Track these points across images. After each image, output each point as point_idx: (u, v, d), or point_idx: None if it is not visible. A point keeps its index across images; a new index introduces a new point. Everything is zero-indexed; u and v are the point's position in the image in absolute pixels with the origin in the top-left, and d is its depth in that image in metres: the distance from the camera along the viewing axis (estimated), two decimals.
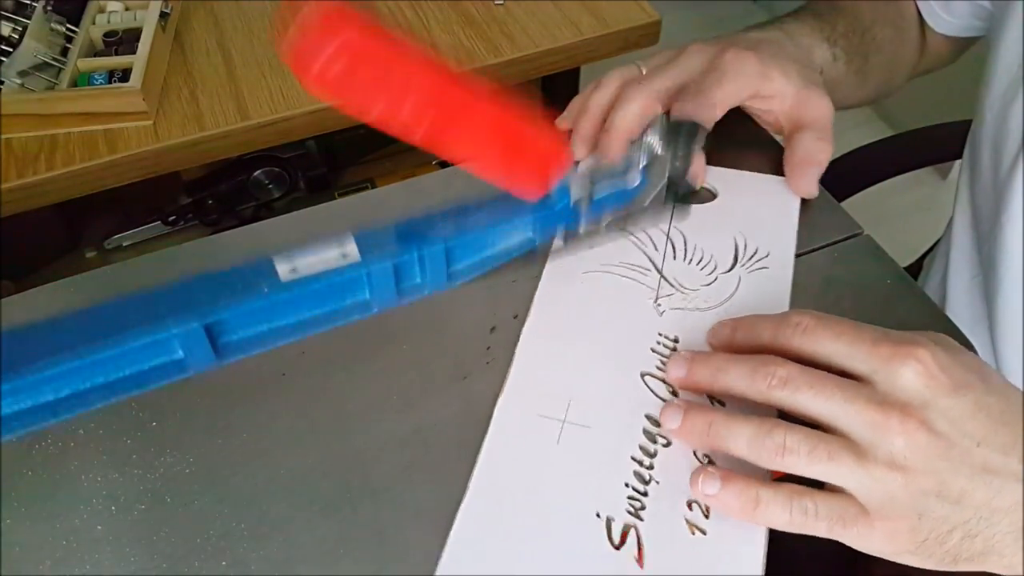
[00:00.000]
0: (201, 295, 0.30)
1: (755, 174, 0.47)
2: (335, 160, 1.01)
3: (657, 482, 0.34)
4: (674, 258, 0.43)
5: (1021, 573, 0.31)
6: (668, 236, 0.44)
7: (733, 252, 0.43)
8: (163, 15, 0.78)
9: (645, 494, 0.34)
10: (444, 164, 0.44)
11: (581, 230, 0.37)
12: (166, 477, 0.36)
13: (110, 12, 0.79)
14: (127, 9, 0.80)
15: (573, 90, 0.99)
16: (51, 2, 0.75)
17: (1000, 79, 0.51)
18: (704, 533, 0.33)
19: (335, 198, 0.91)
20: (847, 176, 0.77)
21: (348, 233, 0.31)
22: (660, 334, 0.40)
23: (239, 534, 0.34)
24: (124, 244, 0.95)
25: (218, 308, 0.31)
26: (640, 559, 0.32)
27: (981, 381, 0.32)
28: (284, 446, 0.37)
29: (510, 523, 0.34)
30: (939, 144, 0.82)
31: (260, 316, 0.32)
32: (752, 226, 0.44)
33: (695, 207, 0.45)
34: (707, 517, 0.33)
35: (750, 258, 0.43)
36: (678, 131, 0.35)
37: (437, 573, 0.32)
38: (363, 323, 0.39)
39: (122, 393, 0.30)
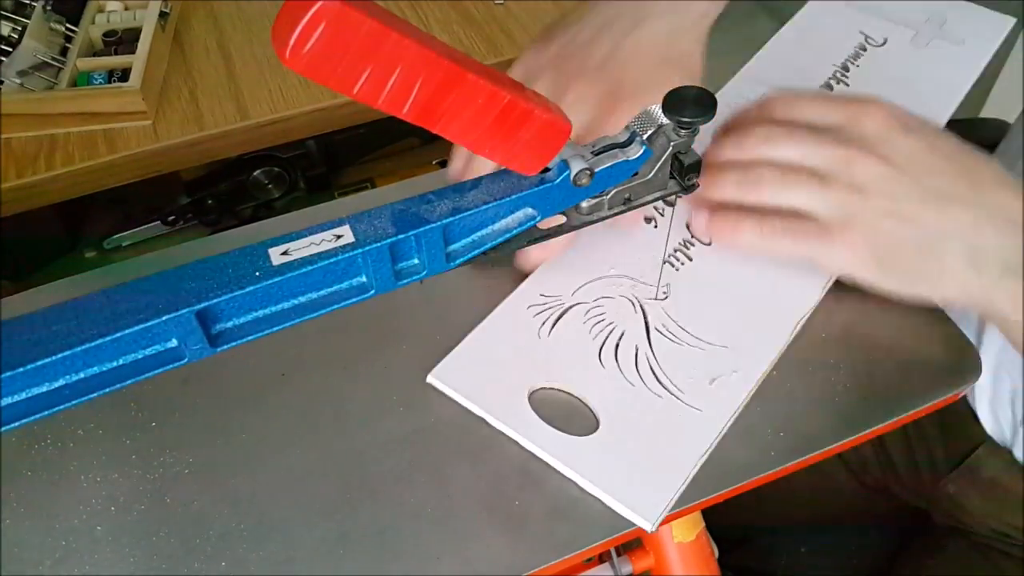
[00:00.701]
0: (193, 282, 0.30)
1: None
2: (335, 160, 1.01)
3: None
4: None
5: (975, 297, 0.36)
6: (672, 212, 0.43)
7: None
8: (162, 15, 0.78)
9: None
10: (444, 164, 0.44)
11: (584, 205, 0.36)
12: (166, 477, 0.36)
13: (109, 12, 0.79)
14: (126, 9, 0.80)
15: None
16: (51, 2, 0.75)
17: None
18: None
19: (335, 198, 0.91)
20: None
21: (347, 229, 0.31)
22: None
23: (239, 534, 0.34)
24: (124, 244, 0.95)
25: (209, 293, 0.30)
26: None
27: (934, 130, 0.38)
28: (284, 446, 0.37)
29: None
30: None
31: (253, 300, 0.31)
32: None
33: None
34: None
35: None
36: (678, 130, 0.35)
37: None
38: (363, 323, 0.39)
39: (117, 383, 0.30)
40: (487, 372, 0.38)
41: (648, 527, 0.34)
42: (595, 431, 0.36)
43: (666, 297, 0.41)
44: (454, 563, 0.33)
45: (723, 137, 0.41)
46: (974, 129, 0.78)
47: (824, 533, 0.66)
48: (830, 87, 0.51)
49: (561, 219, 0.37)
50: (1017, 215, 0.36)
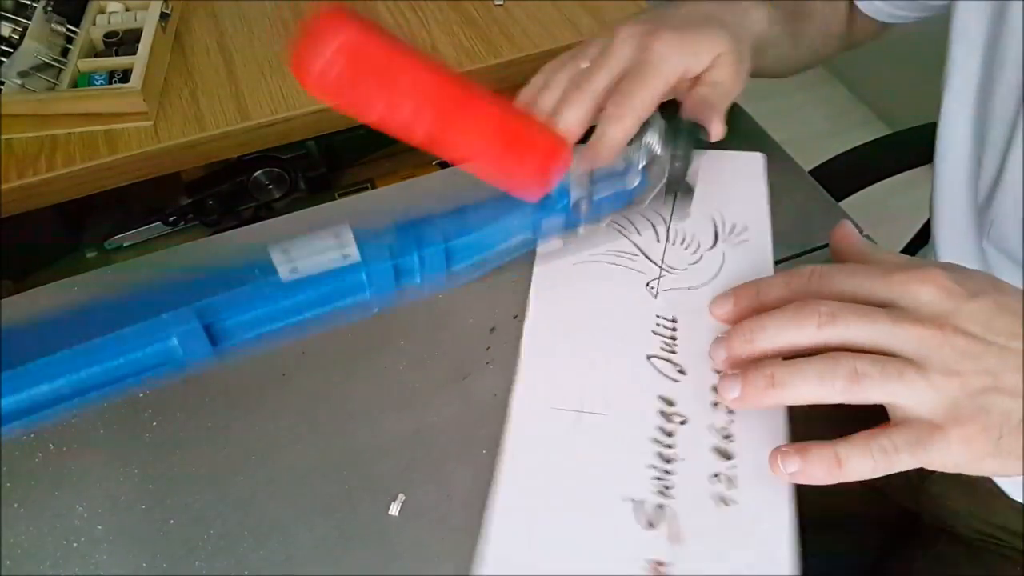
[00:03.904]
0: (201, 294, 0.30)
1: (719, 152, 0.46)
2: (335, 160, 1.01)
3: (682, 459, 0.35)
4: (659, 242, 0.44)
5: None
6: (668, 233, 0.44)
7: (713, 230, 0.44)
8: (163, 16, 0.78)
9: (671, 472, 0.35)
10: (444, 164, 0.44)
11: (581, 230, 0.37)
12: (166, 477, 0.36)
13: (110, 13, 0.79)
14: (127, 10, 0.80)
15: None
16: (51, 3, 0.75)
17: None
18: (734, 503, 0.34)
19: (335, 198, 0.91)
20: (846, 175, 0.77)
21: (347, 227, 0.31)
22: (658, 316, 0.40)
23: (239, 534, 0.34)
24: (125, 244, 0.95)
25: (216, 306, 0.30)
26: (676, 536, 0.33)
27: (992, 286, 0.33)
28: (284, 446, 0.37)
29: (544, 516, 0.34)
30: None
31: (260, 314, 0.32)
32: (726, 203, 0.45)
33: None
34: (734, 487, 0.34)
35: (730, 233, 0.44)
36: (677, 131, 0.36)
37: (481, 573, 0.32)
38: (363, 323, 0.39)
39: (120, 389, 0.30)
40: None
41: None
42: None
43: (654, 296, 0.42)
44: (454, 563, 0.33)
45: (732, 308, 0.38)
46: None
47: (822, 534, 0.66)
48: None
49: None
50: None
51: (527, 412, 0.37)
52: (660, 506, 0.34)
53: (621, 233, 0.44)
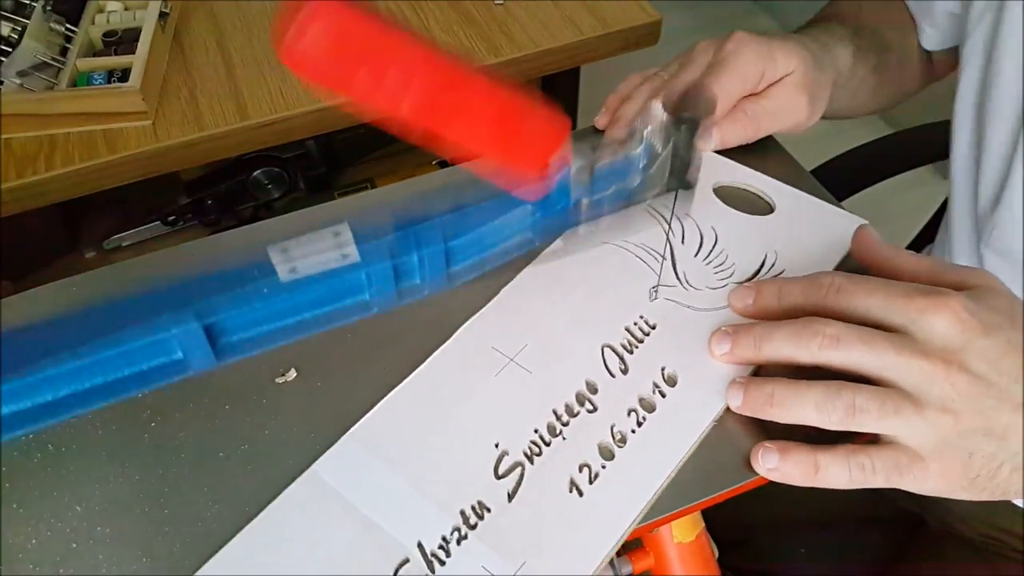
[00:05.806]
0: (201, 295, 0.30)
1: (822, 203, 0.45)
2: (335, 160, 1.01)
3: (564, 438, 0.36)
4: (695, 255, 0.43)
5: None
6: (669, 230, 0.44)
7: (758, 266, 0.42)
8: (162, 15, 0.78)
9: (548, 444, 0.36)
10: (444, 164, 0.44)
11: (581, 230, 0.37)
12: (166, 477, 0.36)
13: (109, 12, 0.79)
14: (126, 9, 0.80)
15: (573, 90, 0.99)
16: (50, 2, 0.75)
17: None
18: (581, 495, 0.34)
19: (335, 198, 0.91)
20: (847, 175, 0.77)
21: (347, 227, 0.31)
22: (641, 316, 0.40)
23: (239, 534, 0.34)
24: (124, 244, 0.95)
25: (218, 309, 0.30)
26: (514, 494, 0.34)
27: (1009, 321, 0.33)
28: (284, 446, 0.37)
29: (423, 421, 0.37)
30: (939, 142, 0.82)
31: (260, 317, 0.32)
32: (791, 248, 0.43)
33: (744, 215, 0.45)
34: (591, 483, 0.34)
35: (769, 274, 0.42)
36: (678, 126, 0.35)
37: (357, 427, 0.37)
38: (363, 323, 0.39)
39: (122, 393, 0.30)
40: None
41: None
42: None
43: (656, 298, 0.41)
44: None
45: (751, 302, 0.38)
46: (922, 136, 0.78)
47: (823, 534, 0.66)
48: None
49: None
50: None
51: (467, 338, 0.40)
52: (519, 464, 0.35)
53: (663, 232, 0.44)
